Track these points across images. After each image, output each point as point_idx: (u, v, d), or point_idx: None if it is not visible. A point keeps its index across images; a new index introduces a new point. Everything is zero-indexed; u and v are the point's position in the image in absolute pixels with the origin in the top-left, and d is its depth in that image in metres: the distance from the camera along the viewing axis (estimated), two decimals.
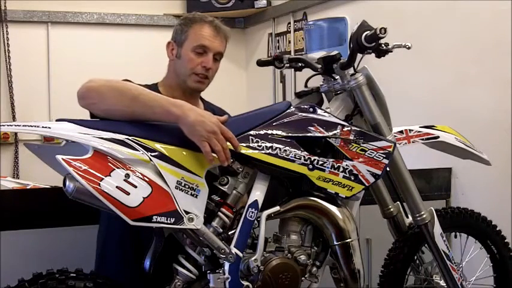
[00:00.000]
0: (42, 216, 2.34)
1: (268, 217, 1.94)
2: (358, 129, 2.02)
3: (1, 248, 2.24)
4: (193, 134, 1.79)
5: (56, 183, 2.12)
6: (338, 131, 1.99)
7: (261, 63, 2.32)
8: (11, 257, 2.25)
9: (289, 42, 4.98)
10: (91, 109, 1.90)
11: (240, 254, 1.87)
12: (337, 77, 2.11)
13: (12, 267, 2.12)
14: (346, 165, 1.98)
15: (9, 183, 3.48)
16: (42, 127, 1.73)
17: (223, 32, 2.33)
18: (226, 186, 1.91)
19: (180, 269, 1.90)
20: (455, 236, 2.47)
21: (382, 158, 2.02)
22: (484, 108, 3.17)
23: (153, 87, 2.30)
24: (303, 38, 4.65)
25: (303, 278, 1.98)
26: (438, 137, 2.34)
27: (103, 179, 1.69)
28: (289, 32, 4.98)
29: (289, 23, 4.97)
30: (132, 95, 1.82)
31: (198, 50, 2.28)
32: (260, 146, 1.91)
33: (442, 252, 2.20)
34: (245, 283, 1.88)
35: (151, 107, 1.81)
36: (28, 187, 3.32)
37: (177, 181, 1.78)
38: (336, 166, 1.97)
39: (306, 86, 2.20)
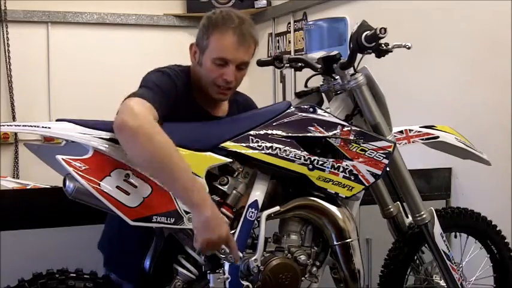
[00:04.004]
0: (42, 216, 2.34)
1: (268, 217, 1.94)
2: (358, 129, 2.02)
3: (1, 248, 2.24)
4: (200, 230, 1.74)
5: (56, 183, 2.11)
6: (338, 131, 1.99)
7: (261, 63, 2.32)
8: (11, 257, 2.25)
9: (289, 42, 4.97)
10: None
11: (240, 254, 1.86)
12: (337, 77, 2.11)
13: (12, 267, 2.11)
14: (346, 165, 1.98)
15: (9, 183, 3.46)
16: (42, 127, 1.73)
17: (249, 37, 2.05)
18: (226, 186, 1.91)
19: (180, 269, 1.90)
20: (455, 236, 2.47)
21: (382, 158, 2.02)
22: (484, 108, 3.17)
23: (186, 70, 2.11)
24: (303, 38, 4.64)
25: (303, 278, 1.98)
26: (438, 137, 2.34)
27: (103, 179, 1.69)
28: (289, 32, 4.97)
29: (289, 23, 4.96)
30: (170, 171, 1.72)
31: (218, 62, 2.01)
32: (260, 146, 1.91)
33: (442, 252, 2.20)
34: (245, 283, 1.88)
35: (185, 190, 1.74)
36: (28, 187, 3.30)
37: None
38: (336, 166, 1.97)
39: (306, 86, 2.20)
